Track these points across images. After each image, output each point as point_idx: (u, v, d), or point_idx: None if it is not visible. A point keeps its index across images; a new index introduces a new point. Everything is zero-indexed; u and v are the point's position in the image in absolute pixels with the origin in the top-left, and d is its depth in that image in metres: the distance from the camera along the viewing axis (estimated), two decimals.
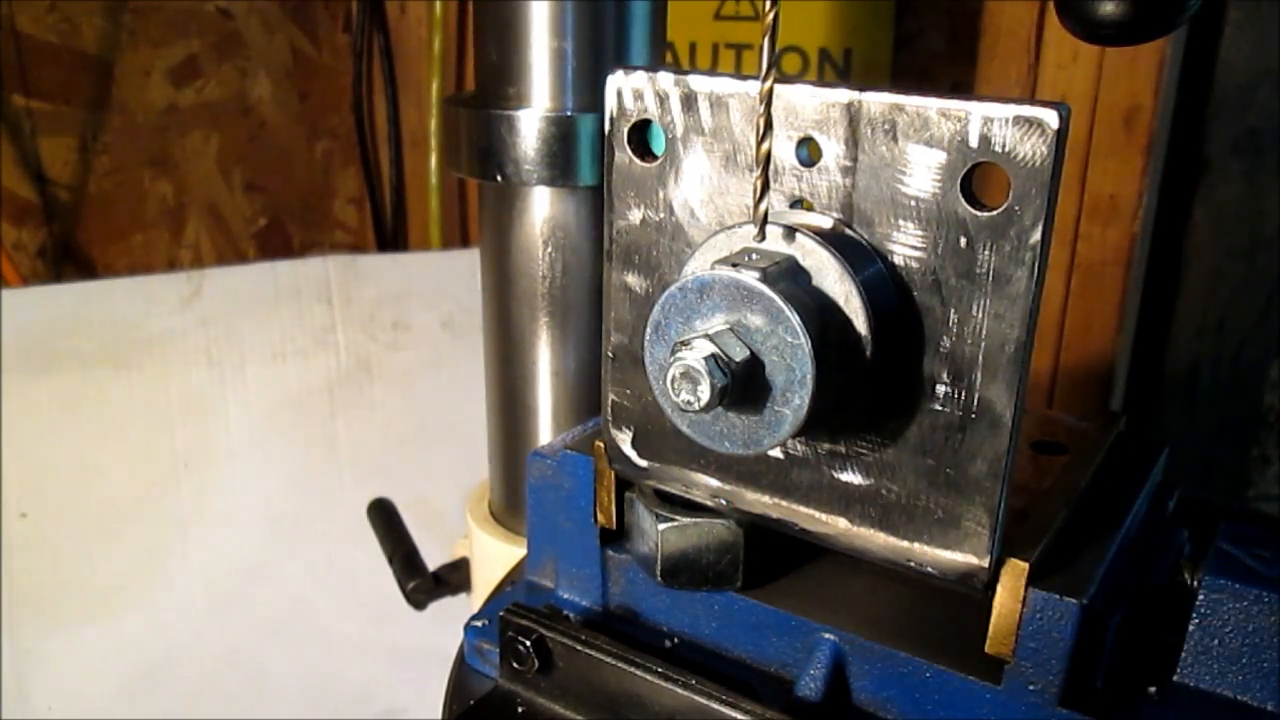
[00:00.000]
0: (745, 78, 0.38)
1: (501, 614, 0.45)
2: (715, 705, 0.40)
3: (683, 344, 0.35)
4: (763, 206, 0.35)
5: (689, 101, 0.39)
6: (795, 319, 0.33)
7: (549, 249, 0.72)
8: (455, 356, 1.31)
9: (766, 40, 0.34)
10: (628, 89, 0.40)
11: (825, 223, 0.37)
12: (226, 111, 1.43)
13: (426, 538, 0.94)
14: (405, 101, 1.57)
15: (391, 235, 1.64)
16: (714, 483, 0.43)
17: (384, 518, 0.95)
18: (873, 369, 0.36)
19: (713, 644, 0.47)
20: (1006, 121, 0.33)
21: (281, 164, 1.52)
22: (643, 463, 0.45)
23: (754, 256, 0.35)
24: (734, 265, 0.35)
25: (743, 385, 0.34)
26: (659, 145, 0.41)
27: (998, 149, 0.33)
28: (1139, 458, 0.49)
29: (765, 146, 0.35)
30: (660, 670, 0.42)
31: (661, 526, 0.44)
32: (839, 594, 0.45)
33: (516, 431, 0.78)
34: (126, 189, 1.34)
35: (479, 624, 0.49)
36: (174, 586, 1.19)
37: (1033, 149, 0.32)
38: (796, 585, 0.46)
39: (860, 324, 0.35)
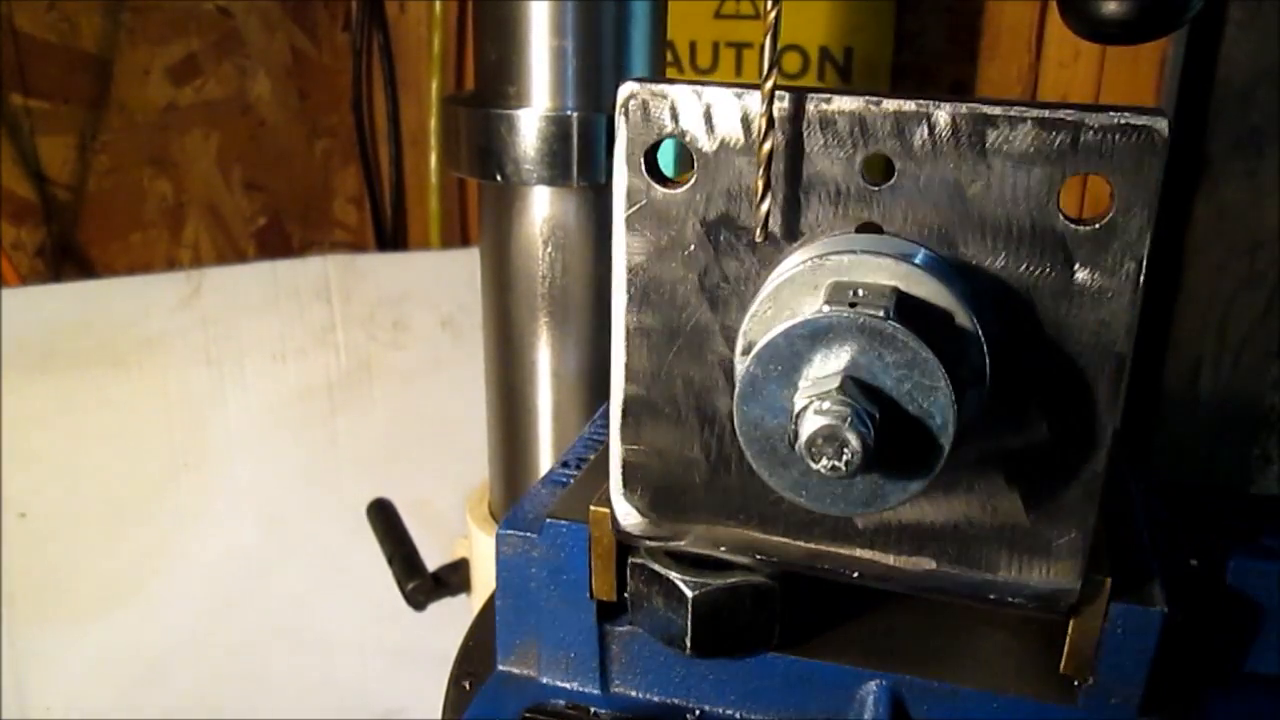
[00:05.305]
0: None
1: (525, 715, 0.42)
2: None
3: (809, 400, 0.30)
4: (764, 208, 0.35)
5: (710, 116, 0.35)
6: (932, 359, 0.30)
7: (549, 249, 0.71)
8: (455, 356, 1.31)
9: (768, 39, 0.33)
10: (640, 103, 0.36)
11: (907, 248, 0.34)
12: (226, 110, 1.42)
13: (426, 538, 0.94)
14: (405, 100, 1.57)
15: (391, 235, 1.64)
16: (757, 537, 0.39)
17: (383, 518, 0.95)
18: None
19: (744, 711, 0.43)
20: (1112, 130, 0.31)
21: (281, 163, 1.51)
22: (662, 526, 0.40)
23: (862, 293, 0.31)
24: (850, 305, 0.30)
25: (883, 439, 0.30)
26: (673, 166, 0.37)
27: (1101, 159, 0.31)
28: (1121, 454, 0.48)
29: (767, 147, 0.34)
30: None
31: (693, 593, 0.40)
32: (875, 633, 0.43)
33: (516, 432, 0.78)
34: (125, 188, 1.34)
35: None
36: (174, 586, 1.19)
37: (1139, 158, 0.31)
38: (830, 631, 0.43)
39: (977, 353, 0.32)
